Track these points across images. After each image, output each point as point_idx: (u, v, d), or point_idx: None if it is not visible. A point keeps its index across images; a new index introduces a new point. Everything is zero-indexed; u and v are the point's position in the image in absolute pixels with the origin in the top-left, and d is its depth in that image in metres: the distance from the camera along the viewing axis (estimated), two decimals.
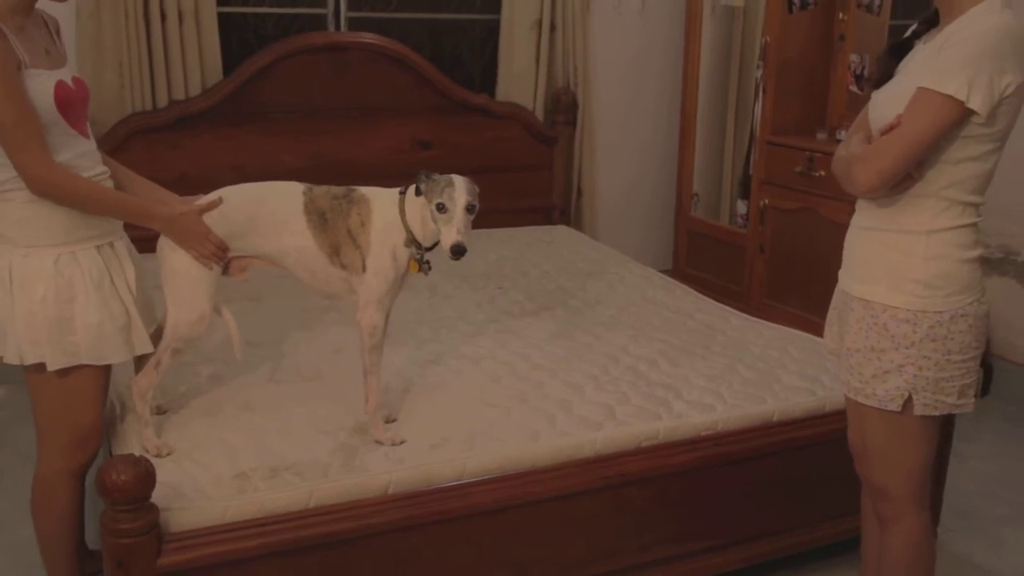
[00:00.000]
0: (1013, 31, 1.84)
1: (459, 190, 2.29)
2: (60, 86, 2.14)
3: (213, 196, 2.40)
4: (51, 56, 2.19)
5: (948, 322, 1.97)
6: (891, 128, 1.92)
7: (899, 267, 1.99)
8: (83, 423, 2.28)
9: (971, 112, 1.86)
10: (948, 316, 1.97)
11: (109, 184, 2.29)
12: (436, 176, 2.34)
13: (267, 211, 2.41)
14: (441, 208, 2.28)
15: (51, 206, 2.14)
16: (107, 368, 2.31)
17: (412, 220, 2.39)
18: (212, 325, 2.43)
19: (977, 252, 1.99)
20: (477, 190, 2.34)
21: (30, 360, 2.18)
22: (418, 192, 2.36)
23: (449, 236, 2.27)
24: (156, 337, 2.42)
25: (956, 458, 2.92)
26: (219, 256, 2.36)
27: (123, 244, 2.32)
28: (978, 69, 1.83)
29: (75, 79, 2.23)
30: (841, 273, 2.16)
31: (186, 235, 2.32)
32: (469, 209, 2.29)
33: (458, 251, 2.26)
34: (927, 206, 1.96)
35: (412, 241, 2.41)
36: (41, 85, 2.10)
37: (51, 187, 2.11)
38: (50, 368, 2.18)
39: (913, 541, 2.14)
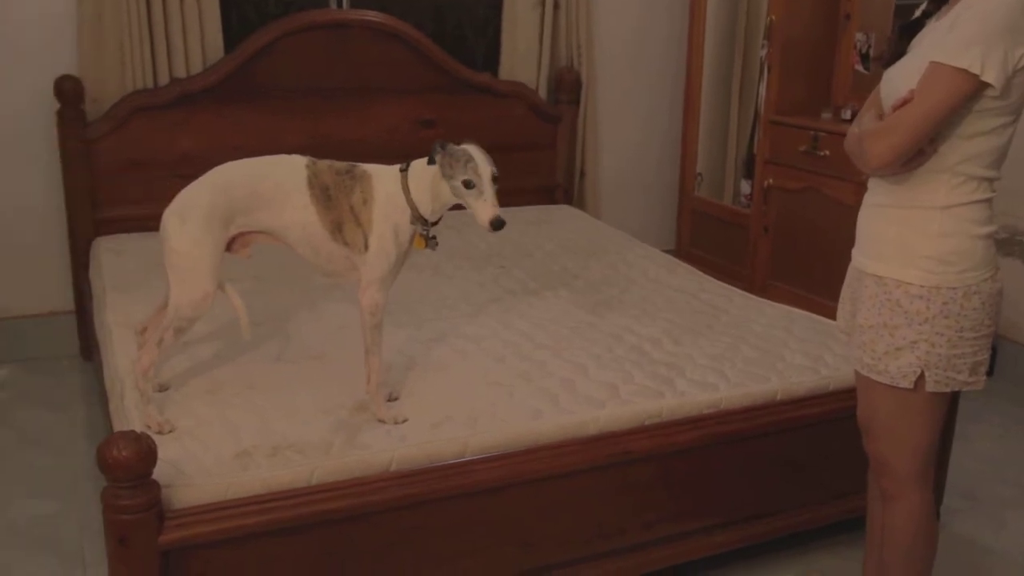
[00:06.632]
0: None
1: (481, 163, 2.25)
2: None
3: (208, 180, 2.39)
4: None
5: (961, 299, 1.95)
6: (904, 103, 1.90)
7: (913, 243, 1.97)
8: None
9: (985, 85, 1.84)
10: (961, 293, 1.95)
11: None
12: (451, 147, 2.30)
13: (270, 185, 2.39)
14: (469, 184, 2.25)
15: None
16: None
17: (417, 195, 2.37)
18: (215, 304, 2.42)
19: (991, 228, 1.98)
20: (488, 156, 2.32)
21: None
22: (431, 161, 2.32)
23: (485, 211, 2.24)
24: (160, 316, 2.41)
25: (961, 439, 2.91)
26: None
27: None
28: (992, 42, 1.81)
29: None
30: (854, 251, 2.15)
31: None
32: (494, 179, 2.26)
33: (498, 225, 2.23)
34: (941, 181, 1.94)
35: (418, 218, 2.39)
36: None
37: None
38: None
39: (915, 518, 2.13)
